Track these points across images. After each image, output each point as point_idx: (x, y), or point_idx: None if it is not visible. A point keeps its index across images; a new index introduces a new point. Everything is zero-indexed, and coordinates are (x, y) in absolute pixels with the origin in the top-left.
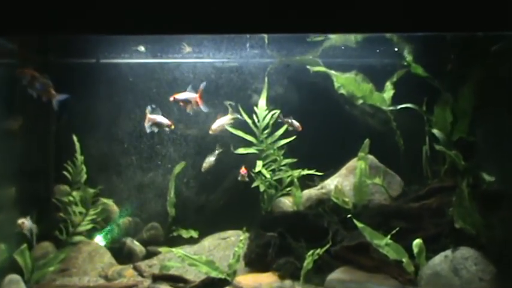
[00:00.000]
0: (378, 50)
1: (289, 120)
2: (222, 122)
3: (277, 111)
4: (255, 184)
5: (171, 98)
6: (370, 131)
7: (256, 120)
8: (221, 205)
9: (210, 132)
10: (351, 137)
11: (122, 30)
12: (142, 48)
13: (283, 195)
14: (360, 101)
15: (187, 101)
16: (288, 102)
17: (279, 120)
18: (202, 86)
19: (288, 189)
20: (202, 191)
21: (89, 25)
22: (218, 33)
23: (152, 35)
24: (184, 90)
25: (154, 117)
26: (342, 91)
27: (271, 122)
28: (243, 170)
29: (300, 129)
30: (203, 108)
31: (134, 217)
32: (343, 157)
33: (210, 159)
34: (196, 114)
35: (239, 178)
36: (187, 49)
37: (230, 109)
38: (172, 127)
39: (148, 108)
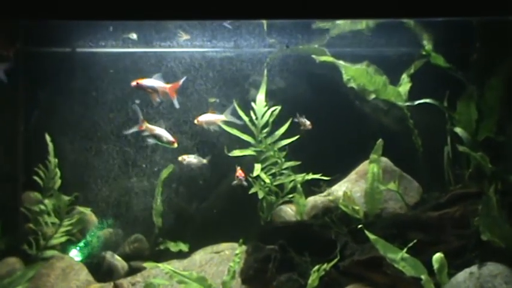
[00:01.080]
0: (392, 38)
1: (304, 120)
2: (211, 119)
3: (278, 108)
4: (252, 190)
5: (134, 83)
6: (383, 130)
7: (254, 117)
8: (214, 214)
9: (195, 122)
10: (361, 136)
11: (107, 16)
12: (134, 36)
13: (284, 202)
14: (372, 96)
15: (153, 89)
16: (290, 97)
17: (296, 120)
18: (181, 80)
19: (291, 196)
20: (193, 198)
21: (64, 9)
22: (213, 19)
23: (139, 21)
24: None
25: (153, 128)
26: (352, 84)
27: (271, 119)
28: (239, 173)
29: (310, 127)
30: (175, 103)
31: (115, 228)
32: (353, 160)
33: (193, 161)
34: (185, 111)
35: (235, 182)
36: (185, 36)
37: (228, 111)
38: (175, 145)
39: (135, 108)
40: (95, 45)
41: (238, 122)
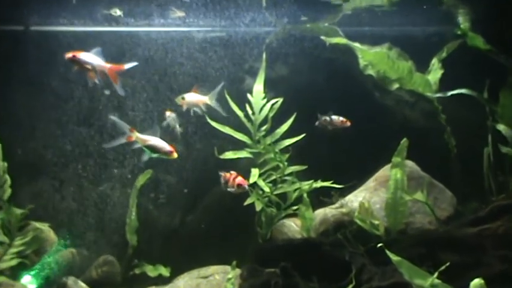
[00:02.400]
0: (420, 14)
1: (328, 119)
2: (193, 99)
3: (279, 100)
4: (249, 201)
5: (69, 55)
6: (409, 127)
7: (250, 112)
8: (202, 230)
9: (176, 101)
10: (382, 135)
11: None
12: (117, 12)
13: (287, 216)
14: (395, 86)
15: (91, 67)
16: (294, 87)
17: (317, 124)
18: (129, 65)
19: (295, 208)
20: (176, 210)
21: None
22: None
23: None
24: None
25: (146, 139)
26: (370, 71)
27: (271, 114)
28: (238, 179)
29: (349, 124)
30: (118, 89)
31: (79, 248)
32: (372, 164)
33: (173, 123)
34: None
35: (232, 190)
36: (178, 13)
37: (214, 93)
38: (175, 155)
39: (113, 119)
40: (55, 22)
41: (221, 111)
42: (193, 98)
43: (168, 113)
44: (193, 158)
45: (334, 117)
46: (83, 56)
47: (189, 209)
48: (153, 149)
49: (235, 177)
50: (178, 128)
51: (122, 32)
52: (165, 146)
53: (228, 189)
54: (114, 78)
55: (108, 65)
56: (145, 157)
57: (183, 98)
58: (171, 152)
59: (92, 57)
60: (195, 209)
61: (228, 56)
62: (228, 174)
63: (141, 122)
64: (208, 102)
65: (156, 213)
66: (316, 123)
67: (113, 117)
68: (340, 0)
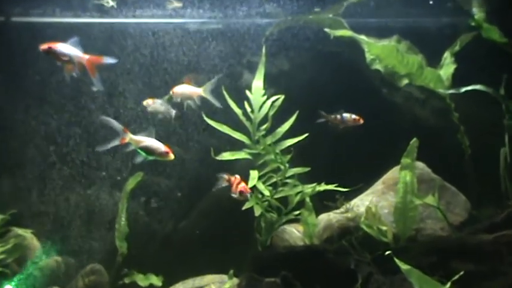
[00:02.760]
0: (431, 5)
1: (339, 117)
2: (186, 91)
3: (280, 97)
4: (247, 205)
5: (45, 47)
6: (419, 127)
7: (248, 110)
8: (197, 236)
9: (171, 93)
10: (390, 135)
11: None
12: (110, 3)
13: (289, 221)
14: (405, 82)
15: (69, 58)
16: (296, 83)
17: (320, 121)
18: (107, 59)
19: (297, 213)
20: (169, 215)
21: None
22: None
23: None
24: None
25: (140, 140)
26: (378, 66)
27: (272, 112)
28: (242, 185)
29: (362, 122)
30: (95, 83)
31: (65, 256)
32: (379, 165)
33: (159, 108)
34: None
35: (234, 195)
36: (176, 3)
37: (209, 85)
38: (171, 157)
39: (105, 119)
40: (39, 13)
41: (216, 104)
42: (186, 90)
43: (149, 102)
44: (187, 159)
45: (346, 115)
46: (60, 47)
47: (183, 214)
48: (147, 150)
49: (239, 182)
50: (170, 112)
51: (115, 24)
52: (160, 146)
53: (231, 194)
54: (92, 71)
55: (86, 56)
56: (140, 159)
57: (177, 93)
58: (167, 153)
59: (68, 48)
60: (190, 214)
61: (226, 50)
62: (232, 178)
63: (132, 119)
64: (203, 94)
65: (148, 219)
66: (318, 120)
67: (105, 118)
68: None
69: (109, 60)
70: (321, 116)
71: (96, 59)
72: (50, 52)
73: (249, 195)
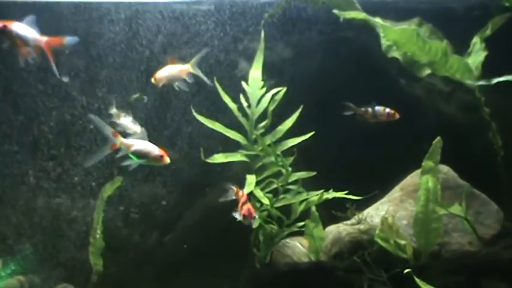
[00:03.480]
0: None
1: (370, 110)
2: (174, 72)
3: (282, 89)
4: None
5: None
6: (443, 124)
7: (245, 104)
8: (184, 251)
9: (153, 81)
10: (409, 134)
11: None
12: None
13: (292, 234)
14: (427, 72)
15: (24, 40)
16: (301, 73)
17: (348, 113)
18: (70, 40)
19: (301, 224)
20: (152, 227)
21: None
22: None
23: None
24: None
25: (132, 144)
26: (395, 54)
27: (272, 107)
28: (247, 207)
29: (397, 116)
30: (53, 69)
31: (29, 274)
32: (396, 169)
33: (127, 125)
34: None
35: (237, 217)
36: None
37: (197, 59)
38: (167, 161)
39: (93, 118)
40: None
41: (207, 81)
42: (172, 70)
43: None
44: (173, 162)
45: (379, 108)
46: (15, 27)
47: (168, 226)
48: (139, 155)
49: (244, 202)
50: (130, 124)
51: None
52: (153, 149)
53: (233, 214)
54: (50, 55)
55: (45, 38)
56: (133, 165)
57: (162, 77)
58: (162, 157)
59: (23, 28)
60: (177, 225)
61: (218, 34)
62: (239, 192)
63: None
64: (192, 70)
65: (127, 231)
66: (345, 113)
67: (93, 117)
68: None
69: (72, 41)
70: (349, 109)
71: (55, 41)
72: (5, 32)
73: (253, 220)
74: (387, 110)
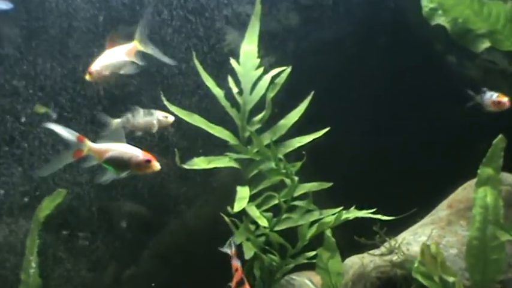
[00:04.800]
0: None
1: (489, 95)
2: (118, 58)
3: (286, 69)
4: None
5: None
6: (506, 116)
7: (235, 90)
8: None
9: (88, 78)
10: (459, 130)
11: None
12: None
13: (298, 268)
14: (484, 45)
15: None
16: (310, 49)
17: (472, 104)
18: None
19: (312, 254)
20: (108, 259)
21: None
22: None
23: None
24: None
25: (107, 149)
26: (440, 21)
27: (272, 94)
28: (242, 285)
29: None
30: None
31: None
32: (441, 179)
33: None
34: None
35: None
36: None
37: (142, 31)
38: (156, 167)
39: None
40: None
41: (167, 60)
42: (116, 58)
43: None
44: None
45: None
46: None
47: (129, 257)
48: (117, 163)
49: (240, 279)
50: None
51: None
52: (136, 153)
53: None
54: None
55: None
56: (109, 178)
57: (99, 70)
58: (148, 163)
59: None
60: (141, 256)
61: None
62: (236, 264)
63: None
64: (141, 47)
65: (72, 264)
66: (468, 104)
67: (50, 125)
68: None
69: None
70: (471, 98)
71: None
72: None
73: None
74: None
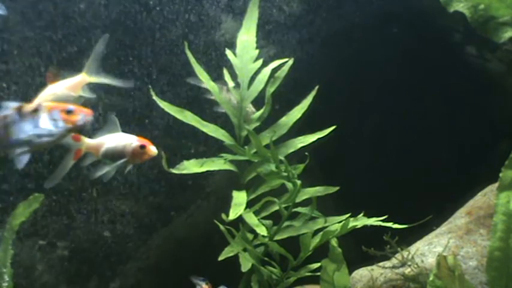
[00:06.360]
0: None
1: None
2: (59, 92)
3: (288, 61)
4: (227, 253)
5: None
6: None
7: (230, 84)
8: None
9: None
10: (479, 131)
11: None
12: None
13: (301, 281)
14: (507, 34)
15: None
16: (316, 39)
17: None
18: None
19: (315, 266)
20: (88, 273)
21: None
22: None
23: None
24: None
25: (101, 142)
26: (459, 7)
27: (272, 89)
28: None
29: None
30: None
31: None
32: (460, 183)
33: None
34: None
35: None
36: None
37: (92, 62)
38: (152, 152)
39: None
40: None
41: (121, 84)
42: (57, 91)
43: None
44: (121, 174)
45: None
46: None
47: (112, 269)
48: (112, 154)
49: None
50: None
51: None
52: (129, 141)
53: None
54: None
55: None
56: (110, 173)
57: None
58: (144, 148)
59: None
60: (124, 269)
61: None
62: None
63: None
64: (90, 79)
65: (51, 277)
66: None
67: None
68: None
69: None
70: None
71: None
72: None
73: None
74: None
